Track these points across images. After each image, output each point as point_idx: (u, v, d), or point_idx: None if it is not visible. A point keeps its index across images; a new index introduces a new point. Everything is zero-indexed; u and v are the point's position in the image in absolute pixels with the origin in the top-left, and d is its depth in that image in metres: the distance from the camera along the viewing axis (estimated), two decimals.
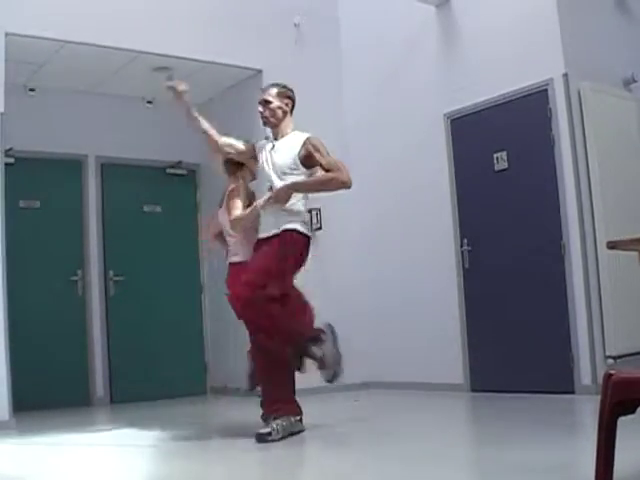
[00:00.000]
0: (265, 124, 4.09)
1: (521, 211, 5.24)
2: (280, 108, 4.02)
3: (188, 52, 5.84)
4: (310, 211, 6.28)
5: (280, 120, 4.03)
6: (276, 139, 4.05)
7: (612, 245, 2.44)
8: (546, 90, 5.09)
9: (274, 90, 4.05)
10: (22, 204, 6.15)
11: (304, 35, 6.55)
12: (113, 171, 6.61)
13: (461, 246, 5.65)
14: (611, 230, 4.82)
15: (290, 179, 3.88)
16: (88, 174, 6.53)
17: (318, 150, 3.96)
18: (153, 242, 6.77)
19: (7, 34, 4.99)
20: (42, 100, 6.21)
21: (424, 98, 5.97)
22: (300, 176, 3.91)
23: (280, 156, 3.96)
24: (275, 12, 6.37)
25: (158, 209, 6.83)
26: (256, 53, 6.22)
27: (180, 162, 6.96)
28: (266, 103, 4.02)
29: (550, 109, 5.06)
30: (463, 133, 5.69)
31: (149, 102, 6.79)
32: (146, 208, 6.84)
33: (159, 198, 6.88)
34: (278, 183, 3.87)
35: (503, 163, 5.38)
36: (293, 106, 4.09)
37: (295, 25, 6.49)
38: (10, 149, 5.36)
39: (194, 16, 5.92)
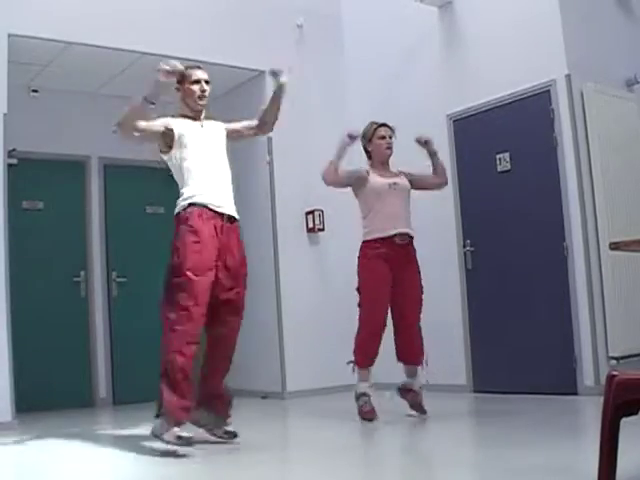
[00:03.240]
0: (199, 105, 4.07)
1: (524, 212, 5.23)
2: None
3: (191, 53, 5.82)
4: (312, 212, 6.30)
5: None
6: (197, 119, 4.07)
7: (615, 246, 2.44)
8: (549, 91, 5.08)
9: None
10: (25, 205, 6.16)
11: (307, 36, 6.55)
12: (116, 172, 6.62)
13: (464, 247, 5.65)
14: (614, 231, 4.81)
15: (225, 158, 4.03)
16: (91, 175, 6.54)
17: (230, 123, 4.13)
18: (156, 243, 6.71)
19: (10, 35, 5.01)
20: (45, 101, 6.22)
21: (427, 99, 5.97)
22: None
23: (213, 137, 4.03)
24: (278, 13, 6.37)
25: (161, 210, 6.80)
26: (258, 54, 6.21)
27: None
28: (207, 83, 4.07)
29: (553, 110, 5.06)
30: (466, 134, 5.69)
31: (152, 103, 6.77)
32: (149, 209, 6.84)
33: (162, 199, 6.82)
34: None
35: (506, 164, 5.37)
36: None
37: (298, 26, 6.49)
38: (13, 150, 5.37)
39: (197, 17, 5.93)
